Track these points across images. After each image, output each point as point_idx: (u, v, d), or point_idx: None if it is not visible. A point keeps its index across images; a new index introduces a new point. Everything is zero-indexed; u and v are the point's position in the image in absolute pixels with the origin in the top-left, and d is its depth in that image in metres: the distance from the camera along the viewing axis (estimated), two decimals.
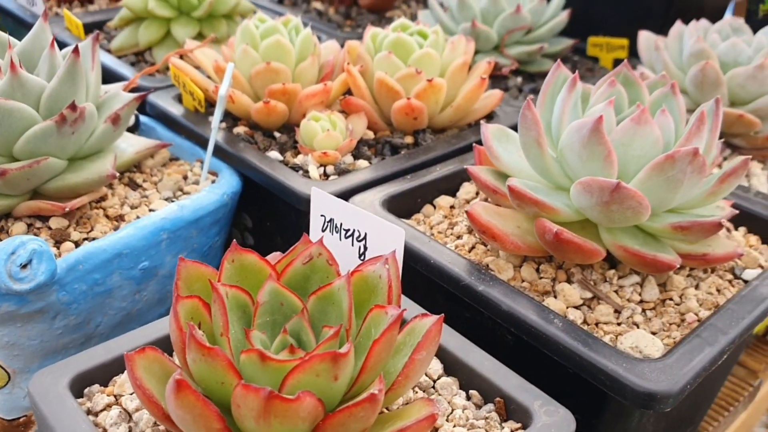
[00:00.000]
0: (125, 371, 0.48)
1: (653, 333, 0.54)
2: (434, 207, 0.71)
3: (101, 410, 0.46)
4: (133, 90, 0.82)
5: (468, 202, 0.70)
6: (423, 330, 0.43)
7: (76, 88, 0.62)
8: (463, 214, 0.68)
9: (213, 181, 0.73)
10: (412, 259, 0.60)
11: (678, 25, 0.86)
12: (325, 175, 0.72)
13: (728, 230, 0.68)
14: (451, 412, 0.48)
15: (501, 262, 0.59)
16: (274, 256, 0.50)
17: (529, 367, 0.52)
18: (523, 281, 0.58)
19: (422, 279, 0.60)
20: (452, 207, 0.70)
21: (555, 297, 0.57)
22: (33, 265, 0.53)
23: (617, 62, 1.10)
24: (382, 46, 0.79)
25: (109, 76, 0.89)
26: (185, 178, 0.74)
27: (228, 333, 0.41)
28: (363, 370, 0.39)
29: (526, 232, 0.58)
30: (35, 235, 0.63)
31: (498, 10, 0.97)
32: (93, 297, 0.61)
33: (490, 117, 0.87)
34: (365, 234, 0.52)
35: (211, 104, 0.82)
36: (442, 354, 0.52)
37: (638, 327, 0.55)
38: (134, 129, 0.81)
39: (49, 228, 0.63)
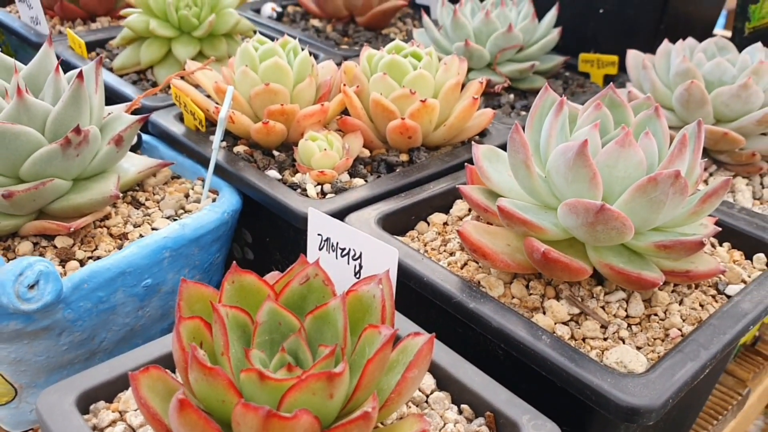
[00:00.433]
0: (129, 388, 0.51)
1: (638, 348, 0.56)
2: (428, 224, 0.73)
3: (107, 426, 0.48)
4: (135, 111, 0.84)
5: (461, 219, 0.73)
6: (415, 349, 0.45)
7: (80, 112, 0.64)
8: (455, 231, 0.70)
9: (214, 200, 0.75)
10: (406, 277, 0.62)
11: (665, 44, 0.88)
12: (323, 194, 0.74)
13: (713, 245, 0.70)
14: (443, 426, 0.50)
15: (492, 279, 0.62)
16: (272, 276, 0.52)
17: (519, 381, 0.55)
18: (513, 298, 0.60)
19: (416, 295, 0.62)
20: (445, 224, 0.72)
21: (544, 313, 0.59)
22: (40, 286, 0.55)
23: (608, 78, 1.12)
24: (377, 67, 0.81)
25: (110, 95, 0.91)
26: (187, 196, 0.76)
27: (228, 352, 0.43)
28: (357, 388, 0.41)
29: (515, 250, 0.60)
30: (41, 253, 0.65)
31: (490, 29, 0.99)
32: (97, 314, 0.63)
33: (482, 134, 0.89)
34: (360, 253, 0.54)
35: (211, 123, 0.84)
36: (435, 369, 0.54)
37: (624, 342, 0.57)
38: (137, 147, 0.83)
39: (55, 247, 0.65)
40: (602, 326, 0.58)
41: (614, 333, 0.57)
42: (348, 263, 0.56)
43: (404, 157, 0.82)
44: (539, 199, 0.61)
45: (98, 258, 0.65)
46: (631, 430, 0.55)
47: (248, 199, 0.76)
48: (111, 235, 0.69)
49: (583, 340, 0.57)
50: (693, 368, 0.52)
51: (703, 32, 1.21)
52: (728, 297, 0.63)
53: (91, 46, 1.08)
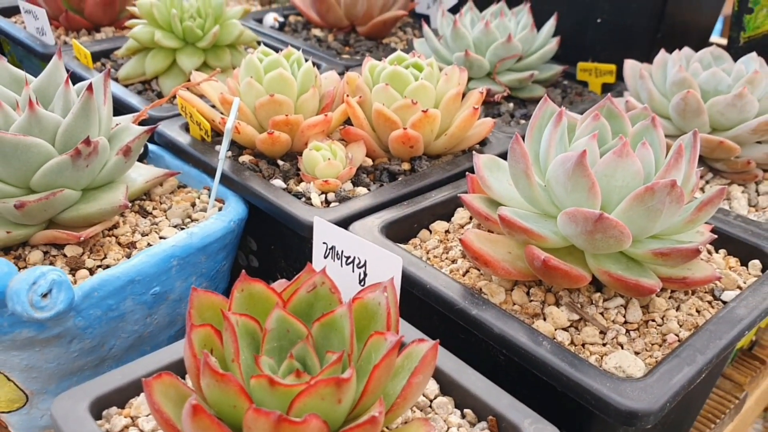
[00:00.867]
0: (141, 394, 0.52)
1: (636, 353, 0.58)
2: (430, 232, 0.74)
3: (119, 431, 0.49)
4: (142, 122, 0.85)
5: (462, 226, 0.74)
6: (420, 355, 0.46)
7: (89, 123, 0.66)
8: (457, 238, 0.71)
9: (220, 209, 0.77)
10: (410, 284, 0.63)
11: (662, 53, 0.90)
12: (327, 202, 0.76)
13: (709, 252, 0.72)
14: (447, 430, 0.51)
15: (493, 286, 0.63)
16: (279, 284, 0.53)
17: (520, 386, 0.56)
18: (514, 304, 0.62)
19: (419, 302, 0.63)
20: (447, 232, 0.74)
21: (544, 319, 0.60)
22: (53, 295, 0.57)
23: (605, 86, 1.14)
24: (379, 78, 0.83)
25: (116, 105, 0.92)
26: (193, 205, 0.78)
27: (239, 359, 0.44)
28: (364, 393, 0.43)
29: (516, 257, 0.62)
30: (51, 262, 0.66)
31: (490, 39, 1.01)
32: (107, 321, 0.64)
33: (483, 143, 0.90)
34: (365, 261, 0.56)
35: (217, 133, 0.85)
36: (438, 375, 0.55)
37: (622, 347, 0.58)
38: (143, 157, 0.85)
39: (65, 255, 0.67)
40: (601, 332, 0.59)
41: (613, 338, 0.59)
42: (353, 271, 0.57)
43: (406, 166, 0.83)
44: (539, 207, 0.62)
45: (107, 266, 0.66)
46: None
47: (253, 207, 0.78)
48: (119, 243, 0.70)
49: (583, 345, 0.58)
50: (690, 372, 0.53)
51: (700, 40, 1.23)
52: (724, 303, 0.64)
53: (96, 56, 1.10)
